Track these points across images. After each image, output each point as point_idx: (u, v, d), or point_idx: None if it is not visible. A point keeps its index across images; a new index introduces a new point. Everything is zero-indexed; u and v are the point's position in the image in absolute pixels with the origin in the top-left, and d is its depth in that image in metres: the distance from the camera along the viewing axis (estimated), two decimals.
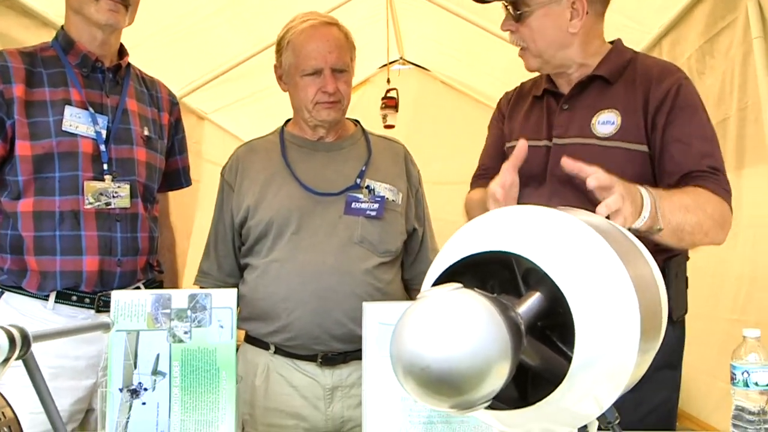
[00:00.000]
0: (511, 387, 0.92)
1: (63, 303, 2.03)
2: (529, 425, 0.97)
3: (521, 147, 1.74)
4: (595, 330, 0.87)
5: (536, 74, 2.13)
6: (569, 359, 0.92)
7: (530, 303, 0.90)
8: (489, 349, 0.77)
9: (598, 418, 1.00)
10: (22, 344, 0.92)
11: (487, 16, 4.51)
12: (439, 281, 0.99)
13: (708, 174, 1.79)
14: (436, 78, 7.16)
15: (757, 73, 2.90)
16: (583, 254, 0.91)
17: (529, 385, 0.98)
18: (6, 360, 0.89)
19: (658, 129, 1.84)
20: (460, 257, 0.96)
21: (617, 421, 1.01)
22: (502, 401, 0.93)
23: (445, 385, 0.77)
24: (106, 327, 1.26)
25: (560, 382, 0.89)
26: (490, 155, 2.20)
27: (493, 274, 1.02)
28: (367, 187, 2.20)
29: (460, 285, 0.83)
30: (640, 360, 0.93)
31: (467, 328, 0.77)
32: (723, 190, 1.79)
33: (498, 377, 0.79)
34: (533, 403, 0.92)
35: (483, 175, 2.17)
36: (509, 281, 1.01)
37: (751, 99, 3.07)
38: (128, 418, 1.58)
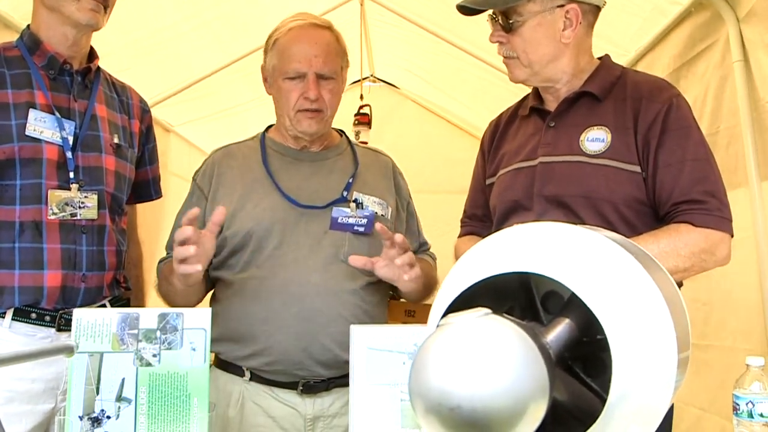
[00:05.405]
0: None
1: (21, 321, 1.88)
2: None
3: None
4: (633, 362, 0.78)
5: (511, 99, 2.07)
6: (598, 394, 0.83)
7: (559, 331, 0.81)
8: (527, 384, 0.67)
9: None
10: None
11: (461, 35, 4.46)
12: (452, 307, 0.88)
13: (696, 204, 1.75)
14: (405, 96, 7.13)
15: (738, 96, 2.85)
16: (617, 277, 0.82)
17: (548, 422, 0.88)
18: None
19: (650, 151, 1.80)
20: (480, 278, 0.85)
21: None
22: None
23: (476, 427, 0.66)
24: (69, 350, 1.13)
25: (590, 422, 0.80)
26: (472, 199, 2.17)
27: (507, 298, 0.92)
28: (355, 200, 2.06)
29: (488, 310, 0.73)
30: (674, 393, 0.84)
31: (503, 361, 0.67)
32: (713, 218, 1.74)
33: (535, 417, 0.69)
34: None
35: (468, 222, 2.17)
36: (527, 306, 0.92)
37: (723, 124, 3.01)
38: None
